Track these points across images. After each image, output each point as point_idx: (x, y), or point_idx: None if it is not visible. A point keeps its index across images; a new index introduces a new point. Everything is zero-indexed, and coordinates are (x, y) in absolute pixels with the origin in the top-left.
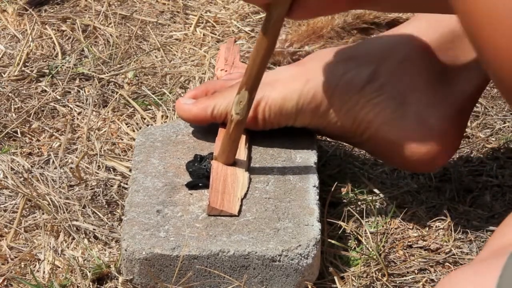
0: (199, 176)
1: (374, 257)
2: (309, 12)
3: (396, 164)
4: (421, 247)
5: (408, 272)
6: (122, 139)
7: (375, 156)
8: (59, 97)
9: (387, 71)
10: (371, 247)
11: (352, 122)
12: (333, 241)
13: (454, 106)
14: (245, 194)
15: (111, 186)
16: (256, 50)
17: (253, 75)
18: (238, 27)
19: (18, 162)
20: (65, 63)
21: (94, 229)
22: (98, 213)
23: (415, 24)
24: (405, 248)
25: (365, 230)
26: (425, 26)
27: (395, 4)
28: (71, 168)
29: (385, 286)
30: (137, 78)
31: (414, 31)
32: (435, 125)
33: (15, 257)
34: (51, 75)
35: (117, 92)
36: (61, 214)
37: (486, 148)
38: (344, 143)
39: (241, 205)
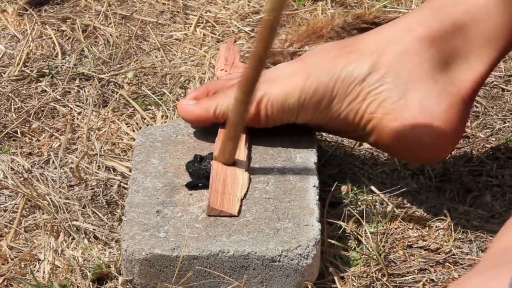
0: (199, 176)
1: (374, 257)
2: None
3: (400, 155)
4: (421, 247)
5: (408, 272)
6: (122, 139)
7: (378, 149)
8: (59, 97)
9: (388, 62)
10: (371, 247)
11: (355, 114)
12: (333, 241)
13: (456, 95)
14: (245, 194)
15: (111, 186)
16: (253, 50)
17: (249, 78)
18: (238, 27)
19: (18, 162)
20: (65, 63)
21: (94, 229)
22: (98, 213)
23: (416, 14)
24: (405, 248)
25: (365, 230)
26: (426, 17)
27: None
28: (71, 168)
29: (385, 286)
30: (137, 78)
31: (415, 22)
32: (438, 114)
33: (15, 257)
34: (51, 75)
35: (117, 92)
36: (61, 214)
37: (486, 148)
38: (344, 143)
39: (240, 205)
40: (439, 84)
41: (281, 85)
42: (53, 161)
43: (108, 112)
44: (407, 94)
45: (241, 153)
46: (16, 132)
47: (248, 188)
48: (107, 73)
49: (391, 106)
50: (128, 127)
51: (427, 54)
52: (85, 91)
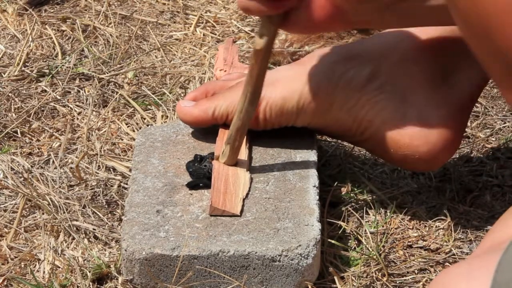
0: (199, 176)
1: (374, 257)
2: (301, 29)
3: (397, 163)
4: (421, 247)
5: (408, 272)
6: (122, 139)
7: (375, 155)
8: (59, 97)
9: (387, 70)
10: (371, 247)
11: (353, 121)
12: (333, 241)
13: (455, 104)
14: (247, 194)
15: (111, 186)
16: (253, 57)
17: (253, 87)
18: (238, 27)
19: (18, 162)
20: (65, 63)
21: (94, 229)
22: (98, 213)
23: None
24: (405, 248)
25: (365, 230)
26: None
27: (399, 20)
28: (71, 168)
29: (385, 286)
30: (137, 78)
31: (415, 29)
32: (436, 123)
33: (15, 257)
34: (51, 75)
35: (117, 92)
36: (61, 214)
37: (486, 148)
38: (344, 143)
39: (242, 205)
40: (438, 93)
41: (280, 89)
42: (53, 161)
43: (108, 112)
44: (405, 103)
45: (242, 153)
46: (16, 132)
47: (249, 188)
48: (107, 73)
49: (389, 115)
50: (128, 127)
51: (427, 63)
52: (85, 91)
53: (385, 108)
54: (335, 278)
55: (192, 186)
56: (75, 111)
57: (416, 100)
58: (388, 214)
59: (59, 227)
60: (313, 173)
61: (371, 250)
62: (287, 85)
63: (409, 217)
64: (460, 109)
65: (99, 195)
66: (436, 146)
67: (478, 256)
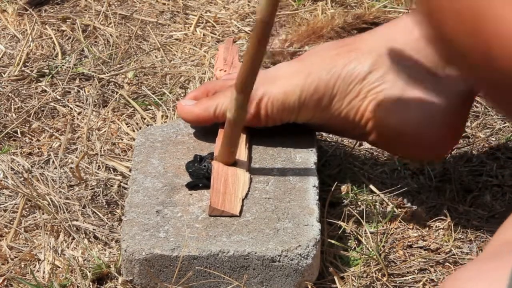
0: (198, 176)
1: (374, 257)
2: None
3: (400, 153)
4: (421, 247)
5: (408, 272)
6: (122, 139)
7: (378, 147)
8: (59, 97)
9: (388, 61)
10: (371, 247)
11: (355, 112)
12: (333, 241)
13: (456, 94)
14: (246, 194)
15: (111, 186)
16: (248, 48)
17: (246, 72)
18: (238, 27)
19: (18, 162)
20: (65, 63)
21: (94, 229)
22: (98, 213)
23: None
24: (405, 248)
25: (365, 230)
26: None
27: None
28: (71, 168)
29: (385, 286)
30: (137, 78)
31: (415, 21)
32: (438, 113)
33: (15, 257)
34: (51, 75)
35: (117, 92)
36: (61, 214)
37: (486, 148)
38: (344, 143)
39: (242, 205)
40: (439, 83)
41: (281, 84)
42: (53, 161)
43: (108, 112)
44: (407, 93)
45: (242, 153)
46: (16, 132)
47: (249, 188)
48: (107, 73)
49: (391, 105)
50: (128, 127)
51: (427, 53)
52: (85, 91)
53: (386, 99)
54: (335, 278)
55: (191, 186)
56: (75, 111)
57: (417, 90)
58: (388, 214)
59: (59, 227)
60: (313, 173)
61: (371, 250)
62: (288, 80)
63: (409, 217)
64: (462, 99)
65: (99, 195)
66: (439, 136)
67: (488, 258)
